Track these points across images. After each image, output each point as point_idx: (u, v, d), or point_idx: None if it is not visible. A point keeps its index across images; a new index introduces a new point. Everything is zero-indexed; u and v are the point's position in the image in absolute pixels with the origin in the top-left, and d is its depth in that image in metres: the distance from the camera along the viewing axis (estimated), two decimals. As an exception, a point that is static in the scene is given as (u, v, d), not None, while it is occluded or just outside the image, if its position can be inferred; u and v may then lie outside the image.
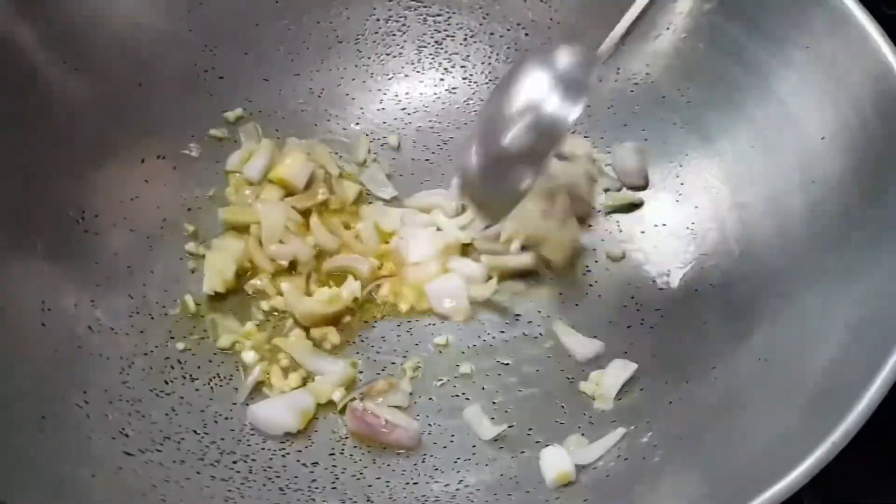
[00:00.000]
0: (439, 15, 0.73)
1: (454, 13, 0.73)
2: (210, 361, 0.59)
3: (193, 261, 0.64)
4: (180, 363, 0.59)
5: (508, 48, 0.72)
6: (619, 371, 0.57)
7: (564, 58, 0.55)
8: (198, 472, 0.52)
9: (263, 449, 0.55)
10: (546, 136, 0.54)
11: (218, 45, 0.69)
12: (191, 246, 0.64)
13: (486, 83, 0.73)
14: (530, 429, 0.56)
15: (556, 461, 0.52)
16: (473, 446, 0.56)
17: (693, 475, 0.48)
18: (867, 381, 0.42)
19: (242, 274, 0.63)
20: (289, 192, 0.66)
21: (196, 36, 0.68)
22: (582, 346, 0.60)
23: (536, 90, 0.54)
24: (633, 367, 0.57)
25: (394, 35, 0.73)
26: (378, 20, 0.73)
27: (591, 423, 0.56)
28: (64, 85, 0.62)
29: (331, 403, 0.57)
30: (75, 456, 0.48)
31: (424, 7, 0.73)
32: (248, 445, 0.55)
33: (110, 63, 0.65)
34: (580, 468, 0.52)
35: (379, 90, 0.73)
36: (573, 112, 0.53)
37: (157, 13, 0.67)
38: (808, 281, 0.53)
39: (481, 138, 0.56)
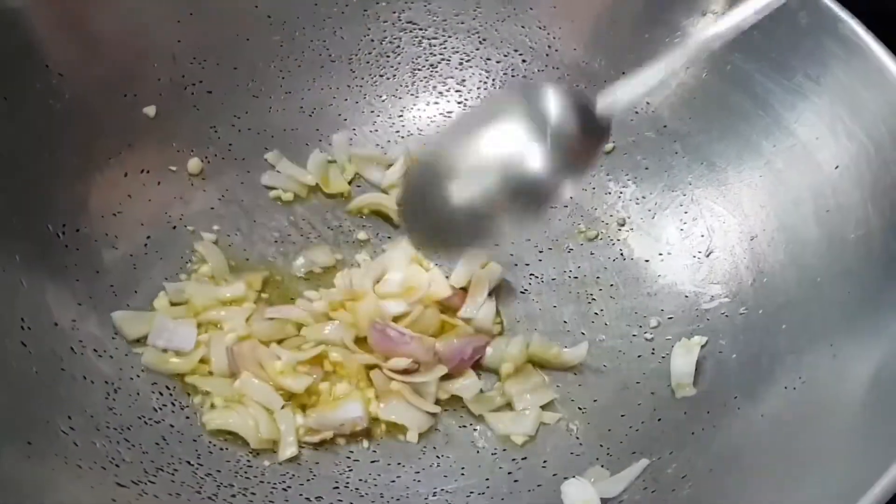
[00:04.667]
0: (435, 38, 0.71)
1: (450, 37, 0.71)
2: (198, 388, 0.55)
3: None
4: (168, 389, 0.55)
5: (504, 74, 0.71)
6: (684, 352, 0.56)
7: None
8: (196, 507, 0.47)
9: (262, 482, 0.51)
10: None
11: (207, 59, 0.66)
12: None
13: (482, 108, 0.71)
14: (545, 461, 0.54)
15: (580, 494, 0.50)
16: (487, 479, 0.53)
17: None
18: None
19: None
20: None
21: (185, 47, 0.65)
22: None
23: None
24: (702, 340, 0.57)
25: (388, 56, 0.71)
26: (372, 41, 0.71)
27: (609, 454, 0.53)
28: (46, 91, 0.58)
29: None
30: (66, 486, 0.43)
31: (420, 29, 0.71)
32: (247, 478, 0.51)
33: (95, 71, 0.61)
34: (605, 501, 0.50)
35: (372, 112, 0.71)
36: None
37: (145, 22, 0.64)
38: (831, 310, 0.52)
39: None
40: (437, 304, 0.61)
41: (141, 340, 0.56)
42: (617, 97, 0.47)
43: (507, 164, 0.47)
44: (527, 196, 0.47)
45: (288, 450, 0.52)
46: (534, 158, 0.46)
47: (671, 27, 0.65)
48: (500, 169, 0.47)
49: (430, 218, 0.50)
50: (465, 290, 0.62)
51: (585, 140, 0.47)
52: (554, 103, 0.47)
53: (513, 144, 0.47)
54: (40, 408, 0.48)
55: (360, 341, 0.58)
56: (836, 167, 0.56)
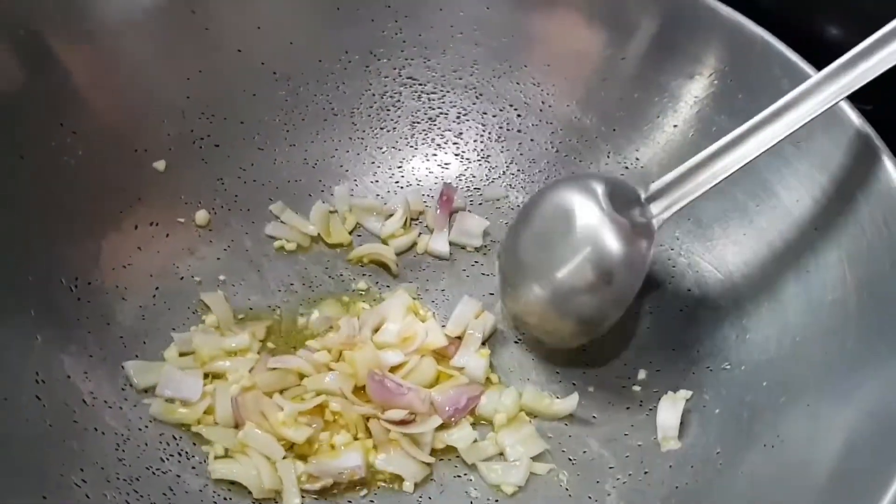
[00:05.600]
0: (433, 93, 0.74)
1: (448, 92, 0.74)
2: (204, 437, 0.58)
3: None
4: (175, 439, 0.57)
5: (500, 128, 0.74)
6: (670, 405, 0.58)
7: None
8: (203, 559, 0.50)
9: (265, 533, 0.53)
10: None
11: (215, 114, 0.69)
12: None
13: (478, 160, 0.74)
14: (535, 513, 0.56)
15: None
16: (479, 527, 0.55)
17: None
18: (884, 469, 0.43)
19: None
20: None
21: (193, 103, 0.68)
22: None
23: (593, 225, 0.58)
24: (687, 394, 0.59)
25: (388, 110, 0.74)
26: (374, 95, 0.73)
27: (597, 507, 0.56)
28: (60, 148, 0.61)
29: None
30: (79, 541, 0.46)
31: (419, 85, 0.74)
32: (250, 529, 0.53)
33: (108, 128, 0.64)
34: (592, 553, 0.52)
35: (372, 163, 0.74)
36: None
37: (156, 80, 0.67)
38: (809, 369, 0.54)
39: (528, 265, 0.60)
40: (433, 354, 0.63)
41: (149, 391, 0.59)
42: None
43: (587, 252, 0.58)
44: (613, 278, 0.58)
45: (294, 500, 0.54)
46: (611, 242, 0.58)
47: (660, 88, 0.68)
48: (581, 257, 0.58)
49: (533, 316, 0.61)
50: (460, 338, 0.65)
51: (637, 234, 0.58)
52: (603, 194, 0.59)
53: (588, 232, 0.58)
54: (54, 461, 0.50)
55: (360, 390, 0.60)
56: (816, 228, 0.58)
